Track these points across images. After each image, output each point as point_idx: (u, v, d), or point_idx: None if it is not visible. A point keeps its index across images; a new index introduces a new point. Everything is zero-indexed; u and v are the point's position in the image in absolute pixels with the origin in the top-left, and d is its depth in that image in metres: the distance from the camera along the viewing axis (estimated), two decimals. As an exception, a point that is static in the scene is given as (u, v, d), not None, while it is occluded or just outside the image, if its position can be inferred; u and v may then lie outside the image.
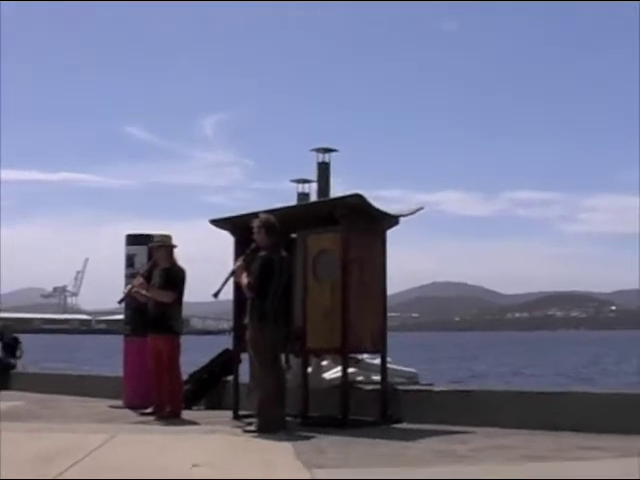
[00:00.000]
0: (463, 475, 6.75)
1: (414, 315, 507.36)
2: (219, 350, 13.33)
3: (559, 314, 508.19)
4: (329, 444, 8.70)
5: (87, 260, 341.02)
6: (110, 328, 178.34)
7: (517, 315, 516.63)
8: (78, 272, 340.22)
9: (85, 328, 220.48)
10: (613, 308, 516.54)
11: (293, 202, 13.54)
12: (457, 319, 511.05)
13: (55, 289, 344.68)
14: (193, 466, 7.19)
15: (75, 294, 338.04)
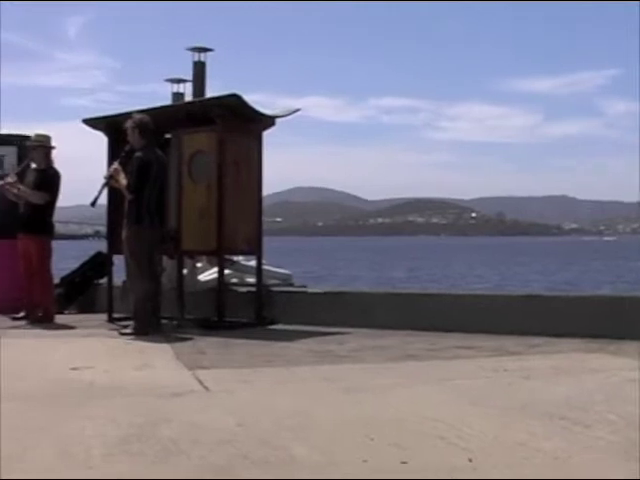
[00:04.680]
0: (349, 373, 6.81)
1: (278, 220, 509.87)
2: (87, 255, 13.15)
3: (420, 220, 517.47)
4: (208, 345, 8.67)
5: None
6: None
7: (380, 221, 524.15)
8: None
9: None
10: (473, 215, 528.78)
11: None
12: (320, 224, 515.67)
13: None
14: (72, 369, 7.09)
15: None
